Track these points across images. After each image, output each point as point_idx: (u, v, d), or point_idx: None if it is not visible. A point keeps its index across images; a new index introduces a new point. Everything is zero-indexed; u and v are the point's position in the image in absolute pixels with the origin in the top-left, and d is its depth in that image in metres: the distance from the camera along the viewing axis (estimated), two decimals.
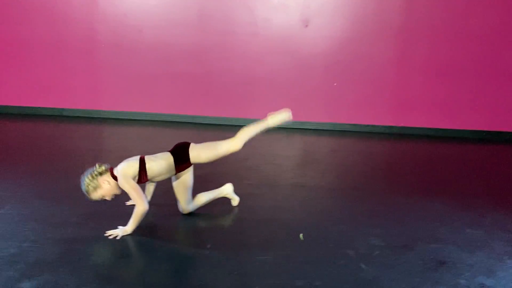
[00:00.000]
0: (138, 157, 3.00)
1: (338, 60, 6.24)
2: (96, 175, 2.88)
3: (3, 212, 3.14)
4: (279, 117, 3.36)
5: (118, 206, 3.24)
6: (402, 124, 6.34)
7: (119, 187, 2.92)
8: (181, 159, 3.04)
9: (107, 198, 2.94)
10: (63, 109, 6.47)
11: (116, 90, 6.43)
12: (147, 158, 2.99)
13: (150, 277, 2.41)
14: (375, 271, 2.55)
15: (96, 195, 2.90)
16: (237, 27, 6.24)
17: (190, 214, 3.25)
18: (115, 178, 2.91)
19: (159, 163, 2.99)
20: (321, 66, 6.28)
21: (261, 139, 5.92)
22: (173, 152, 3.07)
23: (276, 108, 6.35)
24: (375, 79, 6.25)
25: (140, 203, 2.85)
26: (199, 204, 3.29)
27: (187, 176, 3.13)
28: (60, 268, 2.45)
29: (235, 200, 3.49)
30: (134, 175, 2.93)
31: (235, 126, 6.71)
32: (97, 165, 2.92)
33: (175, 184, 3.16)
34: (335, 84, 6.31)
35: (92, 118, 6.42)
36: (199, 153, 3.07)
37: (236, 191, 3.52)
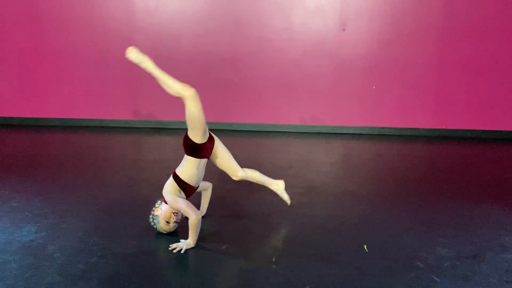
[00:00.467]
0: (171, 175, 3.09)
1: (376, 62, 6.17)
2: (152, 211, 3.07)
3: (65, 227, 3.17)
4: (281, 189, 3.44)
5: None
6: (444, 127, 6.23)
7: (172, 208, 3.01)
8: (189, 147, 3.03)
9: (172, 220, 3.03)
10: (103, 120, 6.55)
11: (155, 99, 6.47)
12: (177, 171, 3.06)
13: None
14: (450, 284, 2.49)
15: (163, 225, 3.03)
16: (273, 33, 6.23)
17: (250, 228, 3.23)
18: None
19: (185, 165, 3.04)
20: (359, 69, 6.22)
21: (300, 145, 5.93)
22: (185, 150, 3.08)
23: (314, 113, 6.39)
24: (415, 81, 6.16)
25: (191, 214, 2.89)
26: (249, 175, 3.31)
27: (219, 149, 3.17)
28: (133, 283, 2.46)
29: (286, 199, 3.46)
30: (177, 192, 3.03)
31: (272, 132, 6.78)
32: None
33: (216, 162, 3.20)
34: (374, 87, 6.24)
35: (132, 128, 6.48)
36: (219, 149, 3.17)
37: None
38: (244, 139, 6.03)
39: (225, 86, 6.40)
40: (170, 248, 2.87)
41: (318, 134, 6.38)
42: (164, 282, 2.51)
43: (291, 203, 3.49)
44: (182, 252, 2.84)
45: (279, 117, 6.43)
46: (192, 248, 2.87)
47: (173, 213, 3.02)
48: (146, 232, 3.10)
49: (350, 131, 6.38)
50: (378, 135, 6.31)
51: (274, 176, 4.32)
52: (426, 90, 6.17)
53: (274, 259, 2.73)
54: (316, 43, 6.21)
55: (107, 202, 3.65)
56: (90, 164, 4.77)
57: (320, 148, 5.75)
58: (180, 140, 3.03)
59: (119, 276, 2.54)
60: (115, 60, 6.36)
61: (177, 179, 3.03)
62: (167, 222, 3.02)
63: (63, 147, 5.56)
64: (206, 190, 3.39)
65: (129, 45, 6.90)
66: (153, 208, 3.07)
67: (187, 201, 2.98)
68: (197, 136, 3.01)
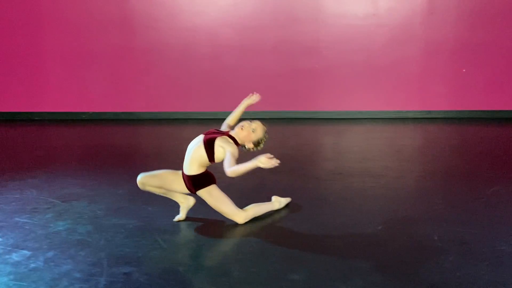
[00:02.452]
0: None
1: (466, 45, 6.05)
2: (261, 143, 3.02)
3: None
4: (284, 202, 3.26)
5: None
6: None
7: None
8: (195, 183, 2.97)
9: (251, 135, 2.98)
10: (190, 113, 6.71)
11: (237, 93, 6.56)
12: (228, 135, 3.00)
13: None
14: None
15: (259, 135, 2.99)
16: (359, 19, 6.20)
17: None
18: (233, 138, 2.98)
19: (204, 160, 2.93)
20: (448, 52, 6.12)
21: (390, 131, 5.87)
22: (204, 173, 2.98)
23: (400, 98, 6.35)
24: (507, 62, 6.01)
25: (233, 164, 2.75)
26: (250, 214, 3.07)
27: (181, 186, 3.04)
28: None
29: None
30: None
31: (357, 119, 6.76)
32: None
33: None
34: (463, 70, 6.13)
35: (215, 119, 6.62)
36: (211, 194, 2.96)
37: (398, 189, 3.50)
38: (325, 126, 6.06)
39: (309, 74, 6.43)
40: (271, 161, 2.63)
41: (405, 119, 6.34)
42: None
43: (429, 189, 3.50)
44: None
45: (365, 103, 6.42)
46: None
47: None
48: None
49: (440, 115, 6.30)
50: (467, 118, 6.21)
51: (395, 161, 4.33)
52: None
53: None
54: (403, 28, 6.15)
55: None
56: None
57: (415, 133, 5.73)
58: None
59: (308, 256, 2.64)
60: (201, 54, 6.49)
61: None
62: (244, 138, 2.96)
63: (154, 140, 5.75)
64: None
65: (215, 40, 6.97)
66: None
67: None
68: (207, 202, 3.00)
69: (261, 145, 3.04)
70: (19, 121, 6.59)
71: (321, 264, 2.46)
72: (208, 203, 3.01)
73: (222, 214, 3.00)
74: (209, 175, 3.01)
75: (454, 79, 6.18)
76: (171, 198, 3.11)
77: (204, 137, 2.98)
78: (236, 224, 3.00)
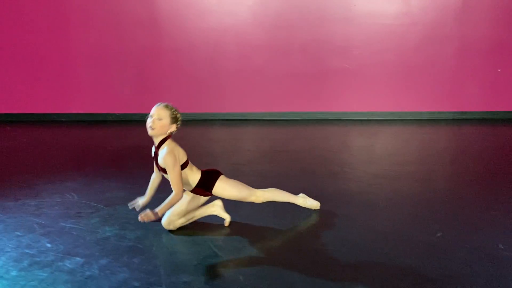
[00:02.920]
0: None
1: (501, 44, 5.91)
2: (179, 124, 2.84)
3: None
4: (309, 203, 3.14)
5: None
6: None
7: (157, 139, 2.80)
8: (204, 184, 2.88)
9: (157, 130, 2.77)
10: (216, 114, 6.64)
11: (265, 93, 6.48)
12: (189, 163, 2.87)
13: None
14: None
15: (166, 117, 2.77)
16: (392, 18, 6.08)
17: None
18: (164, 140, 2.80)
19: (192, 174, 2.85)
20: (483, 51, 5.98)
21: (424, 132, 5.72)
22: (203, 173, 2.90)
23: (433, 99, 6.21)
24: None
25: (180, 190, 2.70)
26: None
27: (199, 200, 2.94)
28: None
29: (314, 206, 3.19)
30: (180, 162, 2.77)
31: (389, 120, 6.64)
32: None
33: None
34: (499, 70, 5.98)
35: (243, 120, 6.54)
36: (226, 187, 2.90)
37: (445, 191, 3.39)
38: (361, 128, 5.94)
39: (339, 75, 6.32)
40: (140, 219, 2.65)
41: (438, 120, 6.20)
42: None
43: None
44: (145, 221, 2.65)
45: (396, 104, 6.30)
46: None
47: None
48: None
49: (474, 116, 6.16)
50: (502, 119, 6.07)
51: (438, 164, 4.21)
52: None
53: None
54: (436, 26, 6.01)
55: None
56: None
57: (450, 134, 5.60)
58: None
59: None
60: (229, 55, 6.41)
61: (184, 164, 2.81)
62: (154, 126, 2.74)
63: (182, 141, 5.67)
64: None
65: (244, 40, 6.90)
66: (179, 115, 2.83)
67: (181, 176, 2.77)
68: (226, 196, 2.94)
69: (178, 117, 2.83)
70: (46, 123, 6.55)
71: (387, 273, 2.36)
72: (226, 197, 2.93)
73: (240, 200, 2.95)
74: (209, 171, 2.91)
75: (489, 79, 6.03)
76: (201, 216, 3.02)
77: (155, 165, 2.90)
78: (286, 229, 2.92)
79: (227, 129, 6.20)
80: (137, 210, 3.00)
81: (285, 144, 5.23)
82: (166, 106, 2.81)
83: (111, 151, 5.13)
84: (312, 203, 3.15)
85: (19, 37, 6.44)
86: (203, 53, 6.45)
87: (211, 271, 2.43)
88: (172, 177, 2.72)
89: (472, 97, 6.12)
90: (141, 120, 6.96)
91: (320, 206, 3.18)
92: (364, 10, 6.11)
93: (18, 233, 2.88)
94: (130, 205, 3.04)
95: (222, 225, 2.99)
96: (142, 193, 3.05)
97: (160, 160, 2.78)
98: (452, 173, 4.04)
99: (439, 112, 6.23)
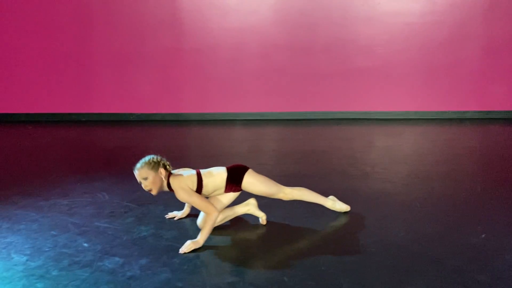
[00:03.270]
0: (194, 171, 2.84)
1: None
2: (163, 163, 2.76)
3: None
4: (338, 206, 3.07)
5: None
6: None
7: (164, 189, 2.77)
8: (234, 180, 2.84)
9: (153, 188, 2.71)
10: (237, 113, 6.60)
11: (287, 93, 6.43)
12: (203, 174, 2.82)
13: None
14: None
15: (148, 173, 2.69)
16: (416, 17, 6.00)
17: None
18: (169, 184, 2.75)
19: (214, 180, 2.82)
20: (509, 49, 5.88)
21: (448, 136, 5.63)
22: (229, 170, 2.87)
23: (457, 98, 6.12)
24: None
25: (212, 210, 2.66)
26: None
27: (229, 196, 2.90)
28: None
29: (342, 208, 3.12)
30: (192, 188, 2.77)
31: (412, 119, 6.55)
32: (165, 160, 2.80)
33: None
34: None
35: (265, 120, 6.49)
36: (255, 182, 2.87)
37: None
38: (386, 127, 5.86)
39: (362, 74, 6.25)
40: (181, 252, 2.56)
41: (462, 120, 6.11)
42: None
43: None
44: (187, 252, 2.56)
45: (420, 103, 6.21)
46: None
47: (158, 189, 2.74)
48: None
49: (500, 116, 6.06)
50: None
51: (470, 165, 4.14)
52: None
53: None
54: (462, 25, 5.92)
55: None
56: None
57: (477, 134, 5.50)
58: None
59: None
60: (251, 54, 6.36)
61: (199, 180, 2.79)
62: (147, 183, 2.70)
63: (204, 141, 5.64)
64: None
65: (266, 39, 6.85)
66: (164, 161, 2.77)
67: (203, 197, 2.76)
68: (255, 191, 2.91)
69: (156, 161, 2.75)
70: (68, 122, 6.55)
71: (435, 276, 2.29)
72: (255, 193, 2.90)
73: (268, 196, 2.93)
74: (234, 167, 2.89)
75: None
76: (236, 215, 2.98)
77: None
78: (323, 230, 2.87)
79: (249, 129, 6.16)
80: (175, 219, 3.04)
81: (310, 144, 5.17)
82: (140, 166, 2.73)
83: (134, 151, 5.09)
84: (341, 207, 3.08)
85: (42, 38, 6.46)
86: (225, 53, 6.41)
87: (254, 272, 2.38)
88: (196, 205, 2.72)
89: (497, 96, 6.02)
90: (162, 120, 6.99)
91: (357, 207, 3.13)
92: (388, 9, 6.04)
93: (54, 233, 2.86)
94: (167, 216, 3.07)
95: (258, 224, 2.95)
96: (172, 193, 2.98)
97: (179, 199, 2.77)
98: (485, 173, 3.95)
99: (463, 112, 6.14)
